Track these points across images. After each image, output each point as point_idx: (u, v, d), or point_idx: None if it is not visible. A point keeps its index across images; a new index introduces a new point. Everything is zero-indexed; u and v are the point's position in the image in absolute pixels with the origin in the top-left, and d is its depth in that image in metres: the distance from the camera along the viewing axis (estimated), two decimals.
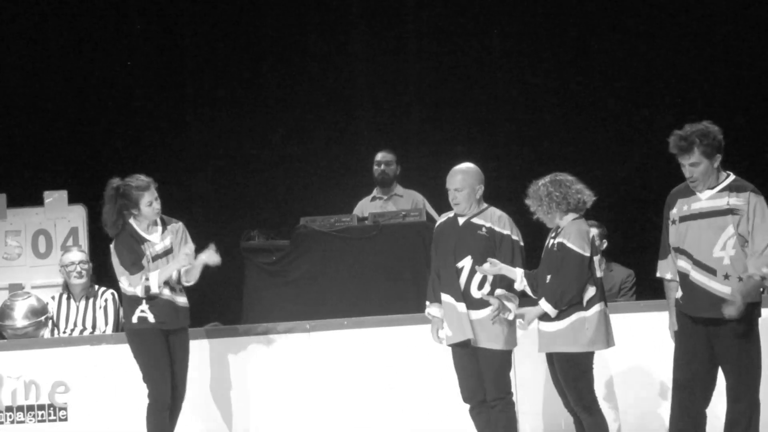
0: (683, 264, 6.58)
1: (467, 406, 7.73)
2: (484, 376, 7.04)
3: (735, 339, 6.45)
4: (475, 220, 7.09)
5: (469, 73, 11.31)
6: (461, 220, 7.15)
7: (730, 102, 10.53)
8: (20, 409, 8.42)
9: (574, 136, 10.90)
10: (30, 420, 8.42)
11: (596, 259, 6.72)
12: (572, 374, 6.64)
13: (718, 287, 6.46)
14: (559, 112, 11.09)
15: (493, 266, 6.85)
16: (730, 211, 6.47)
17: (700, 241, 6.51)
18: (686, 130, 6.54)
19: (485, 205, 7.18)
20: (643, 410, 7.85)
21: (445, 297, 7.08)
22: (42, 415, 8.41)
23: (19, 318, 8.77)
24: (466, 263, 7.02)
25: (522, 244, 7.09)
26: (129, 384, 8.33)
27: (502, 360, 6.99)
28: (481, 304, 7.00)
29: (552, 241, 6.80)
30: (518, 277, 6.86)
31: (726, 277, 6.45)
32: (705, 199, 6.56)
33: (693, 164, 6.51)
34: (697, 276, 6.52)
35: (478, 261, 6.95)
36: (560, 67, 11.12)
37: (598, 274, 6.72)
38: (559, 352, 6.64)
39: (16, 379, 8.44)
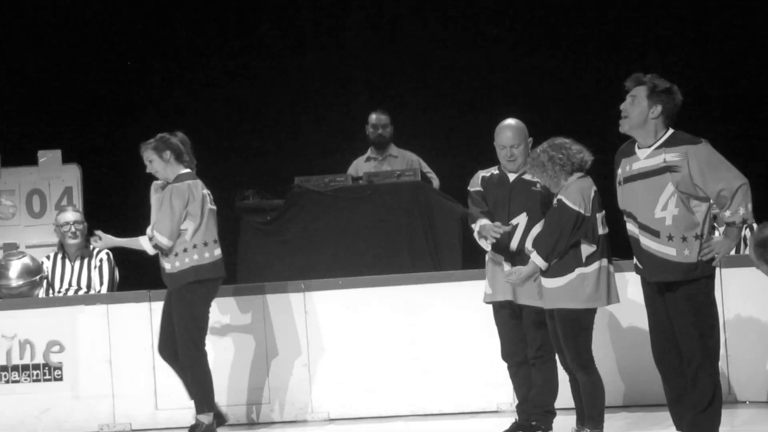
0: (631, 227, 6.29)
1: (464, 365, 7.77)
2: (526, 334, 6.95)
3: (689, 302, 6.10)
4: (527, 177, 6.94)
5: (461, 32, 11.27)
6: (512, 177, 6.99)
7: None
8: (15, 368, 8.43)
9: (572, 99, 10.84)
10: (25, 380, 8.42)
11: (599, 216, 6.63)
12: (572, 331, 6.60)
13: (663, 249, 6.11)
14: (554, 73, 11.03)
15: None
16: (667, 169, 6.09)
17: (639, 203, 6.19)
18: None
19: None
20: (646, 368, 7.71)
21: (493, 255, 6.98)
22: (37, 375, 8.42)
23: (14, 277, 8.77)
24: (521, 220, 6.88)
25: None
26: (123, 343, 8.36)
27: (543, 318, 6.81)
28: (526, 262, 6.78)
29: (554, 199, 6.76)
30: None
31: (669, 238, 6.09)
32: (643, 159, 6.18)
33: (632, 97, 6.16)
34: (644, 240, 6.20)
35: (534, 218, 6.84)
36: (555, 28, 11.07)
37: (601, 231, 6.63)
38: (560, 308, 6.63)
39: (11, 338, 8.44)
